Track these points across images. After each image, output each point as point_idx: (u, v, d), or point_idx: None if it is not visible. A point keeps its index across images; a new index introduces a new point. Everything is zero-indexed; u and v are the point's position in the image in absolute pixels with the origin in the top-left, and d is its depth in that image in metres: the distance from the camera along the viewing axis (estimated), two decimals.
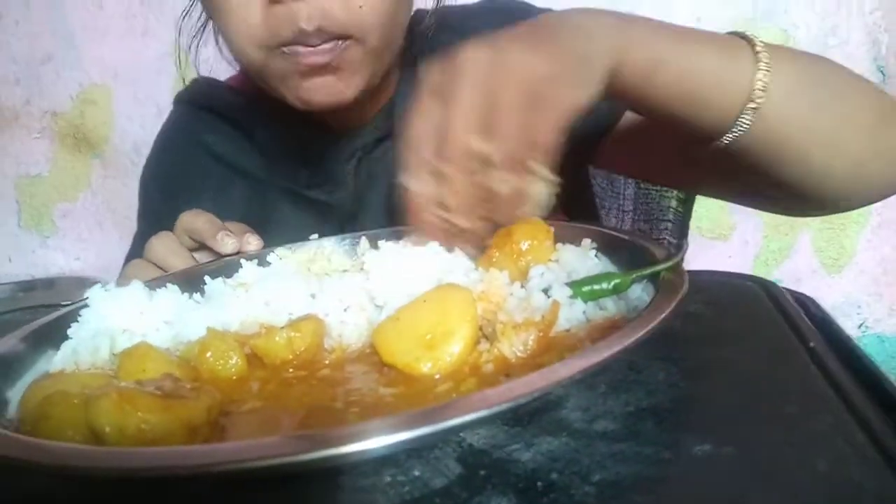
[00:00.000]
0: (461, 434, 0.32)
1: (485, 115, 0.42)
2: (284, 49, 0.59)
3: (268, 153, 0.76)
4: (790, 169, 0.53)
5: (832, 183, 0.54)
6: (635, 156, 0.72)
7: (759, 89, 0.48)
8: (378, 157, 0.73)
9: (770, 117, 0.49)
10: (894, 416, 0.31)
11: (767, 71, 0.48)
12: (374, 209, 0.72)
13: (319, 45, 0.59)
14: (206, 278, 0.51)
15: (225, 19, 0.61)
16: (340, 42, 0.59)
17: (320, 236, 0.61)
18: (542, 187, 0.43)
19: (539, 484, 0.27)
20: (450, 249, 0.44)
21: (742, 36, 0.51)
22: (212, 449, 0.29)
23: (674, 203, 0.87)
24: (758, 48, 0.50)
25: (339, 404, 0.33)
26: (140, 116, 1.52)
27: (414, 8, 0.72)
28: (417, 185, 0.44)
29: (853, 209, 0.59)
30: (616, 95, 0.50)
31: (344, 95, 0.63)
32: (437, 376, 0.35)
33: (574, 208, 0.81)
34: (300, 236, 0.65)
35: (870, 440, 0.29)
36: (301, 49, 0.59)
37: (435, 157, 0.43)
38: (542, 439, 0.31)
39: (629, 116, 0.68)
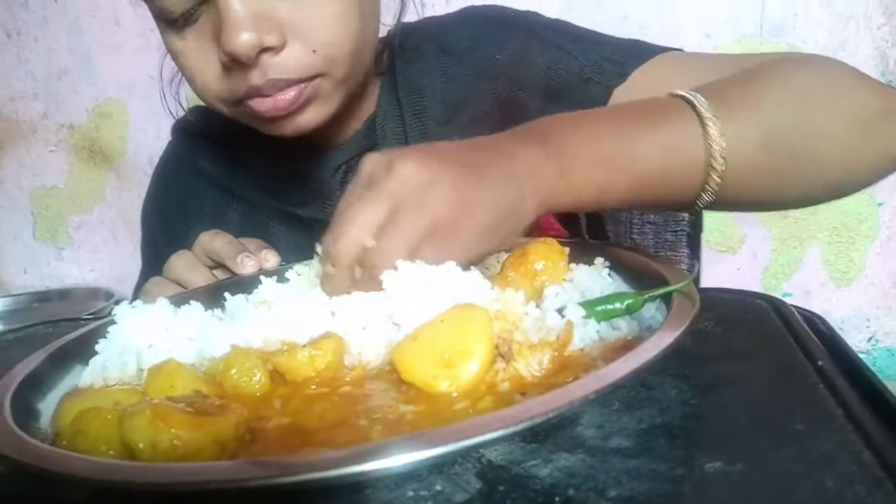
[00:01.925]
0: (480, 450, 0.33)
1: (384, 229, 0.44)
2: (245, 103, 0.61)
3: (259, 175, 0.78)
4: (770, 202, 0.55)
5: (821, 193, 0.55)
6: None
7: (716, 160, 0.48)
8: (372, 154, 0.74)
9: (734, 179, 0.49)
10: None
11: (720, 138, 0.48)
12: None
13: (276, 94, 0.59)
14: (227, 295, 0.52)
15: (187, 79, 0.64)
16: (305, 84, 0.60)
17: (311, 254, 0.62)
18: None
19: (557, 499, 0.28)
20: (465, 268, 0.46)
21: (684, 98, 0.51)
22: (242, 465, 0.30)
23: (686, 216, 0.87)
24: (702, 113, 0.49)
25: (362, 421, 0.34)
26: (154, 129, 1.54)
27: (398, 16, 0.74)
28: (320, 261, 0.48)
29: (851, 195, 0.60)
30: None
31: (316, 123, 0.64)
32: (454, 394, 0.36)
33: (572, 227, 0.82)
34: (293, 255, 0.67)
35: (876, 459, 0.29)
36: (260, 106, 0.60)
37: (329, 247, 0.46)
38: (558, 455, 0.32)
39: None
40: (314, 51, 0.59)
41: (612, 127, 0.51)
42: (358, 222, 0.44)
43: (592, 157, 0.49)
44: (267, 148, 0.75)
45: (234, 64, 0.58)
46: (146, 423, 0.31)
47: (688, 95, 0.51)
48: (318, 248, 0.47)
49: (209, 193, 0.81)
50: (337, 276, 0.45)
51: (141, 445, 0.31)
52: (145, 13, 1.48)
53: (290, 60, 0.58)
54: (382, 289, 0.44)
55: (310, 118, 0.63)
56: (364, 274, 0.45)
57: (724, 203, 0.52)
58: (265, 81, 0.58)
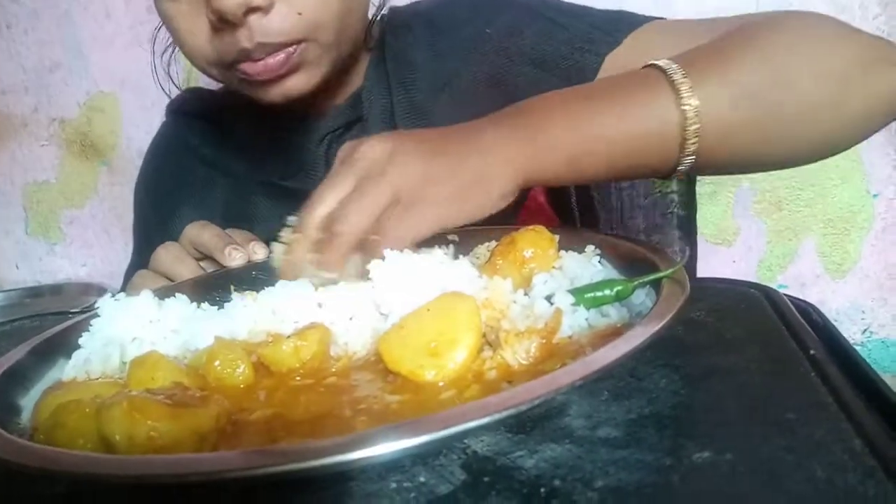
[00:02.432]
0: (465, 441, 0.32)
1: (350, 195, 0.46)
2: (236, 67, 0.61)
3: (246, 149, 0.79)
4: (757, 161, 0.54)
5: (804, 157, 0.55)
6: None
7: (691, 120, 0.48)
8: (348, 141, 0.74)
9: (713, 137, 0.49)
10: (893, 423, 0.31)
11: (690, 96, 0.48)
12: None
13: (266, 57, 0.60)
14: (214, 285, 0.52)
15: (179, 43, 0.65)
16: (293, 48, 0.61)
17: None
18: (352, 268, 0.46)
19: (542, 490, 0.28)
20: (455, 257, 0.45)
21: (655, 66, 0.51)
22: (221, 457, 0.29)
23: (675, 198, 0.86)
24: (673, 77, 0.49)
25: (346, 412, 0.34)
26: (146, 124, 1.53)
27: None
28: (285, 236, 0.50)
29: (843, 151, 0.58)
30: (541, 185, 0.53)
31: (304, 88, 0.65)
32: (441, 384, 0.36)
33: (565, 213, 0.82)
34: (278, 226, 0.67)
35: (868, 448, 0.29)
36: (250, 69, 0.61)
37: (301, 219, 0.48)
38: (545, 446, 0.31)
39: None
40: (299, 13, 0.59)
41: (583, 99, 0.52)
42: (325, 197, 0.47)
43: (563, 126, 0.50)
44: (254, 122, 0.76)
45: (223, 24, 0.58)
46: (122, 416, 0.30)
47: (660, 64, 0.51)
48: (289, 221, 0.50)
49: (198, 169, 0.82)
50: (299, 244, 0.47)
51: (117, 437, 0.30)
52: (137, 6, 1.47)
53: (277, 23, 0.59)
54: (341, 267, 0.45)
55: (297, 83, 0.64)
56: (326, 243, 0.46)
57: (709, 165, 0.52)
58: (254, 45, 0.59)
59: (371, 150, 0.47)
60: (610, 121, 0.50)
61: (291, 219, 0.49)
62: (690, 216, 0.87)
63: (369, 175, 0.46)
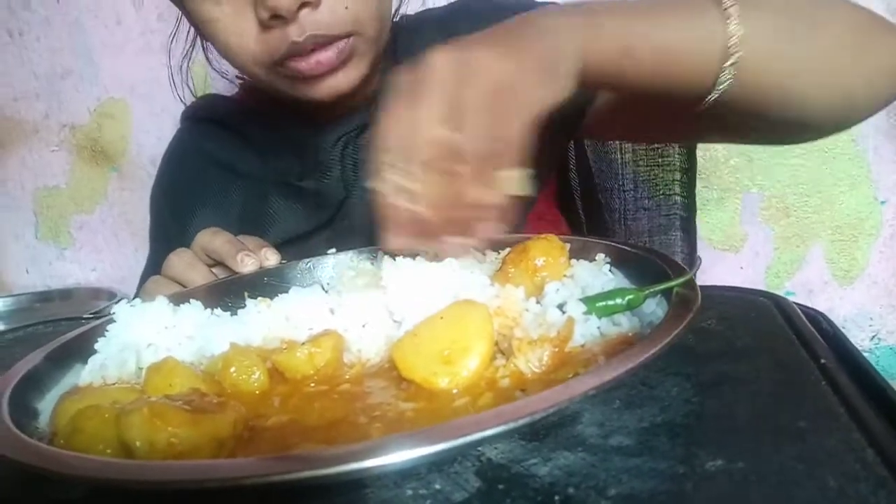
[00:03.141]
0: (479, 448, 0.32)
1: (452, 116, 0.42)
2: (286, 65, 0.62)
3: (262, 152, 0.80)
4: (780, 107, 0.54)
5: (824, 109, 0.55)
6: (622, 120, 0.74)
7: (734, 45, 0.49)
8: (364, 144, 0.75)
9: (750, 67, 0.50)
10: None
11: (738, 24, 0.49)
12: (361, 195, 0.74)
13: (317, 52, 0.62)
14: (227, 291, 0.52)
15: (222, 45, 0.65)
16: (343, 42, 0.63)
17: (312, 224, 0.62)
18: (512, 183, 0.43)
19: (557, 498, 0.28)
20: (463, 264, 0.45)
21: None
22: (238, 463, 0.30)
23: (678, 175, 0.86)
24: (724, 2, 0.50)
25: (361, 419, 0.34)
26: (157, 130, 1.54)
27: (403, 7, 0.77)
28: (385, 185, 0.43)
29: (852, 126, 0.60)
30: (591, 86, 0.51)
31: (352, 84, 0.66)
32: (454, 391, 0.36)
33: (564, 185, 0.82)
34: (295, 227, 0.67)
35: (879, 457, 0.29)
36: (302, 65, 0.62)
37: (403, 159, 0.43)
38: (558, 454, 0.31)
39: None
40: (346, 7, 0.61)
41: (634, 5, 0.52)
42: (422, 119, 0.42)
43: (618, 20, 0.50)
44: (270, 124, 0.77)
45: (274, 21, 0.60)
46: (143, 422, 0.31)
47: None
48: (382, 175, 0.43)
49: (214, 173, 0.83)
50: (426, 182, 0.42)
51: (138, 444, 0.30)
52: (147, 13, 1.48)
53: (327, 16, 0.60)
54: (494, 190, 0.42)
55: (346, 79, 0.65)
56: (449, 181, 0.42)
57: (738, 98, 0.52)
58: (305, 38, 0.60)
59: (440, 61, 0.44)
60: (658, 26, 0.51)
61: (384, 171, 0.43)
62: (691, 218, 0.88)
63: (458, 83, 0.43)
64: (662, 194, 0.87)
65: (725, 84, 0.50)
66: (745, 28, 0.49)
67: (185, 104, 0.89)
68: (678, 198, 0.87)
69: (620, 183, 0.88)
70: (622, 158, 0.88)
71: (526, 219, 0.76)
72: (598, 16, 0.50)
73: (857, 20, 0.54)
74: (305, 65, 0.62)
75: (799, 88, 0.53)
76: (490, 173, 0.42)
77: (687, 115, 0.62)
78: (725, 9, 0.50)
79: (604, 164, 0.90)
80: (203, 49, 0.82)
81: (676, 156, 0.87)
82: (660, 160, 0.87)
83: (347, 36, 0.63)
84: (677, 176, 0.87)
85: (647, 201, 0.88)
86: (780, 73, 0.52)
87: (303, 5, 0.59)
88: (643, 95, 0.54)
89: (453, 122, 0.42)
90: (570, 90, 0.47)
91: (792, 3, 0.53)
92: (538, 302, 0.41)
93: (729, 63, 0.49)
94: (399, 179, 0.43)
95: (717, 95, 0.51)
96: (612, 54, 0.50)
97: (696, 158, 0.88)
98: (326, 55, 0.62)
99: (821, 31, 0.52)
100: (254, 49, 0.63)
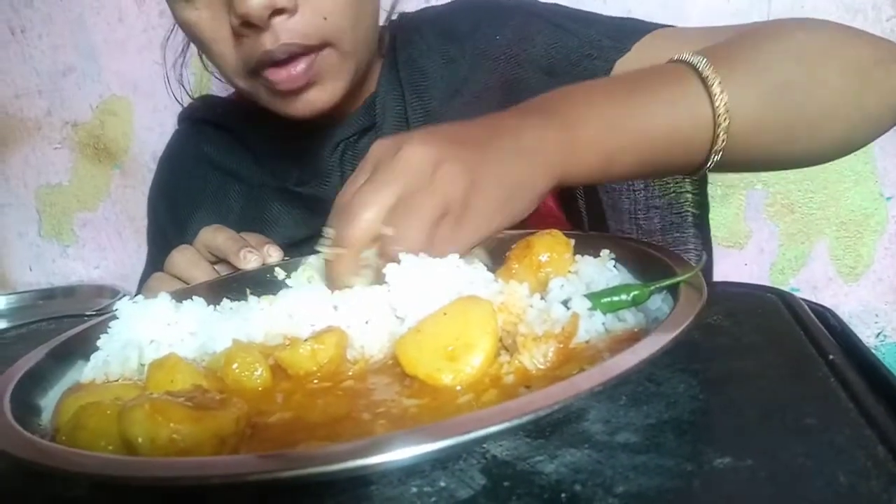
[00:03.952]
0: (485, 445, 0.32)
1: (398, 211, 0.44)
2: (263, 73, 0.62)
3: (260, 156, 0.80)
4: (778, 159, 0.54)
5: (826, 155, 0.55)
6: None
7: (722, 117, 0.48)
8: (362, 149, 0.75)
9: (741, 133, 0.49)
10: None
11: (721, 91, 0.48)
12: None
13: (289, 64, 0.60)
14: (229, 288, 0.52)
15: (205, 51, 0.65)
16: (314, 55, 0.61)
17: (311, 230, 0.62)
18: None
19: (563, 496, 0.28)
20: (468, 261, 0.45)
21: (683, 62, 0.51)
22: (240, 460, 0.30)
23: (689, 197, 0.86)
24: (703, 73, 0.49)
25: (364, 415, 0.34)
26: (159, 127, 1.54)
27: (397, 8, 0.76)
28: (324, 249, 0.47)
29: (857, 149, 0.59)
30: (572, 186, 0.52)
31: (329, 102, 0.65)
32: (458, 388, 0.36)
33: (573, 216, 0.82)
34: (293, 233, 0.66)
35: (890, 453, 0.29)
36: (275, 75, 0.61)
37: (340, 230, 0.45)
38: (564, 451, 0.31)
39: None
40: (325, 18, 0.60)
41: (615, 93, 0.51)
42: (370, 207, 0.44)
43: (598, 124, 0.49)
44: (268, 129, 0.77)
45: (246, 29, 0.58)
46: (145, 418, 0.30)
47: (688, 59, 0.51)
48: (326, 232, 0.47)
49: (212, 176, 0.83)
50: (346, 258, 0.45)
51: (140, 440, 0.30)
52: (149, 10, 1.48)
53: (301, 25, 0.59)
54: (385, 281, 0.43)
55: (321, 95, 0.64)
56: (379, 262, 0.44)
57: (734, 163, 0.52)
58: (277, 46, 0.59)
59: (414, 156, 0.44)
60: (642, 119, 0.50)
61: (329, 230, 0.47)
62: (703, 215, 0.87)
63: (416, 184, 0.44)
64: (673, 192, 0.87)
65: (718, 154, 0.50)
66: (729, 97, 0.48)
67: (181, 105, 0.89)
68: (689, 195, 0.86)
69: (629, 182, 0.88)
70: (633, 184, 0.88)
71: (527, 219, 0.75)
72: (582, 128, 0.49)
73: (856, 59, 0.53)
74: (277, 77, 0.61)
75: (795, 146, 0.53)
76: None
77: None
78: (705, 79, 0.49)
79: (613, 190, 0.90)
80: (199, 52, 0.82)
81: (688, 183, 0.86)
82: (677, 186, 0.86)
83: (322, 48, 0.61)
84: (689, 198, 0.86)
85: (658, 200, 0.87)
86: (772, 137, 0.51)
87: (276, 12, 0.57)
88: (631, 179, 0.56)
89: (396, 216, 0.44)
90: (527, 212, 0.48)
91: (787, 61, 0.52)
92: (543, 298, 0.41)
93: (720, 136, 0.49)
94: (327, 253, 0.46)
95: (711, 165, 0.51)
96: (595, 165, 0.50)
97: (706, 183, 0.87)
98: (297, 69, 0.61)
99: (821, 87, 0.51)
100: (231, 56, 0.62)
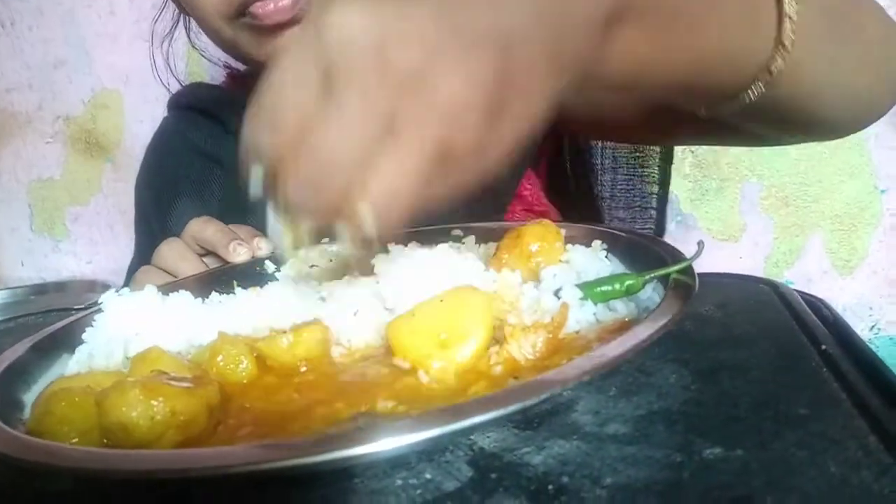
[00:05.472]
0: (472, 437, 0.32)
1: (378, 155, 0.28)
2: (247, 14, 0.61)
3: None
4: (798, 117, 0.49)
5: (842, 118, 0.52)
6: (606, 124, 0.70)
7: (787, 40, 0.41)
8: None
9: (788, 78, 0.43)
10: None
11: (792, 17, 0.41)
12: None
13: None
14: (218, 281, 0.52)
15: (190, 1, 0.64)
16: None
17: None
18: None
19: (550, 487, 0.27)
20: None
21: None
22: (225, 452, 0.29)
23: (655, 189, 0.85)
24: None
25: (350, 407, 0.33)
26: (151, 120, 1.52)
27: None
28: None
29: (856, 132, 0.57)
30: (599, 87, 0.37)
31: None
32: (447, 377, 0.35)
33: (556, 176, 0.80)
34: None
35: (882, 443, 0.28)
36: (261, 9, 0.60)
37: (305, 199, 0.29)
38: (552, 442, 0.31)
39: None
40: None
41: None
42: (348, 160, 0.28)
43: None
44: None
45: None
46: (140, 398, 0.30)
47: None
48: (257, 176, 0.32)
49: (196, 163, 0.82)
50: (307, 232, 0.33)
51: (141, 421, 0.30)
52: (140, 2, 1.46)
53: None
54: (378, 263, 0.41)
55: None
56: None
57: (777, 96, 0.44)
58: None
59: (400, 49, 0.27)
60: (704, 8, 0.39)
61: (257, 172, 0.31)
62: (665, 194, 0.86)
63: (409, 96, 0.27)
64: (638, 206, 0.86)
65: (777, 66, 0.42)
66: (797, 22, 0.41)
67: (169, 91, 0.89)
68: (653, 211, 0.86)
69: (598, 190, 0.87)
70: (602, 164, 0.87)
71: (507, 209, 0.74)
72: None
73: (885, 23, 0.52)
74: (264, 10, 0.60)
75: (828, 89, 0.49)
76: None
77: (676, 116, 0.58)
78: (783, 4, 0.41)
79: (581, 168, 0.88)
80: (186, 30, 0.81)
81: (656, 167, 0.85)
82: (640, 170, 0.86)
83: None
84: (655, 189, 0.86)
85: (621, 212, 0.87)
86: (820, 75, 0.46)
87: None
88: (656, 89, 0.43)
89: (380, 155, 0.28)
90: (589, 58, 0.32)
91: (834, 2, 0.48)
92: (536, 287, 0.40)
93: (776, 63, 0.41)
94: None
95: (758, 87, 0.43)
96: (652, 28, 0.36)
97: (669, 175, 0.86)
98: (285, 4, 0.59)
99: (857, 29, 0.49)
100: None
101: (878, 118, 0.56)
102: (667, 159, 0.85)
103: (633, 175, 0.85)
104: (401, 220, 0.29)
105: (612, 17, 0.32)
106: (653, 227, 0.85)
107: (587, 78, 0.33)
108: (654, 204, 0.85)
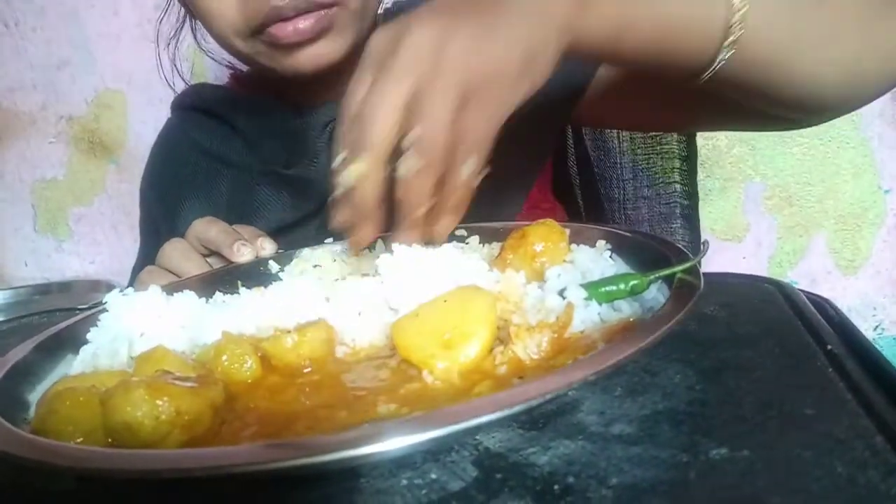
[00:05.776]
0: (477, 437, 0.32)
1: (414, 104, 0.40)
2: (265, 32, 0.61)
3: (249, 139, 0.79)
4: (779, 86, 0.52)
5: (827, 89, 0.53)
6: (619, 106, 0.72)
7: (736, 22, 0.46)
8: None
9: (750, 44, 0.48)
10: None
11: (742, 3, 0.46)
12: None
13: (296, 19, 0.60)
14: (222, 281, 0.52)
15: (204, 16, 0.65)
16: (324, 11, 0.61)
17: (300, 214, 0.61)
18: (465, 182, 0.42)
19: (556, 487, 0.27)
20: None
21: None
22: (229, 451, 0.29)
23: (677, 163, 0.85)
24: None
25: (354, 407, 0.33)
26: (154, 121, 1.53)
27: None
28: (339, 169, 0.43)
29: (855, 109, 0.58)
30: (580, 58, 0.48)
31: (333, 56, 0.65)
32: (451, 378, 0.35)
33: (563, 174, 0.80)
34: (282, 217, 0.67)
35: (888, 443, 0.28)
36: (280, 31, 0.61)
37: (356, 141, 0.42)
38: (558, 442, 0.31)
39: (604, 69, 0.68)
40: None
41: None
42: (384, 106, 0.41)
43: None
44: (258, 112, 0.76)
45: None
46: (145, 398, 0.30)
47: None
48: (338, 157, 0.43)
49: (201, 163, 0.82)
50: (373, 175, 0.42)
51: (145, 421, 0.30)
52: (143, 2, 1.46)
53: None
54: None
55: (325, 49, 0.64)
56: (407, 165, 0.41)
57: (740, 70, 0.50)
58: (286, 2, 0.59)
59: (418, 43, 0.41)
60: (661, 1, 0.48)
61: (340, 155, 0.43)
62: (693, 206, 0.86)
63: (429, 74, 0.40)
64: (661, 182, 0.86)
65: (729, 51, 0.48)
66: (748, 7, 0.46)
67: (174, 91, 0.89)
68: (678, 185, 0.86)
69: (619, 172, 0.87)
70: (620, 147, 0.87)
71: (521, 208, 0.75)
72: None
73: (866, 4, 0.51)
74: (283, 32, 0.61)
75: (797, 64, 0.50)
76: (451, 165, 0.42)
77: (686, 100, 0.60)
78: None
79: (601, 152, 0.88)
80: (192, 31, 0.81)
81: (675, 143, 0.85)
82: (658, 148, 0.86)
83: (330, 6, 0.61)
84: (676, 164, 0.86)
85: (646, 190, 0.87)
86: (778, 49, 0.49)
87: None
88: (631, 68, 0.55)
89: (417, 108, 0.40)
90: (547, 77, 0.45)
91: None
92: (540, 287, 0.40)
93: (728, 41, 0.47)
94: (355, 169, 0.42)
95: (719, 64, 0.49)
96: (606, 33, 0.47)
97: (696, 146, 0.86)
98: (306, 23, 0.60)
99: (828, 9, 0.50)
100: (233, 15, 0.62)
101: (881, 92, 0.55)
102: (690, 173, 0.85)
103: (653, 153, 0.85)
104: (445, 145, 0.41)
105: (573, 43, 0.45)
106: (679, 200, 0.85)
107: (577, 43, 0.46)
108: (678, 178, 0.84)
